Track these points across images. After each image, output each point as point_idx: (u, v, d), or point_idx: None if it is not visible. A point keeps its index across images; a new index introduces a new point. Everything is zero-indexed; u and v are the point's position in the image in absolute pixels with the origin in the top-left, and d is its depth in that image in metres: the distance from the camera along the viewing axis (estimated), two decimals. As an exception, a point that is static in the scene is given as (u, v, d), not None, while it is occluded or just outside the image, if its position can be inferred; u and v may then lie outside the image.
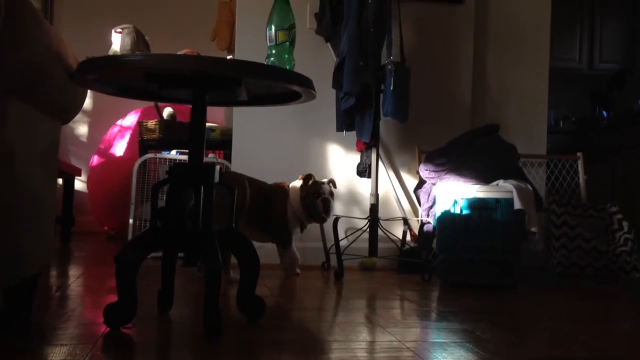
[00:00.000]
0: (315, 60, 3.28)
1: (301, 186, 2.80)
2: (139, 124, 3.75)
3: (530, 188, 3.13)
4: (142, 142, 3.66)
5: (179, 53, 1.78)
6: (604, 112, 6.03)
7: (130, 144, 4.30)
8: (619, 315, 2.30)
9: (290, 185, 2.86)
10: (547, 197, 3.62)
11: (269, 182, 2.91)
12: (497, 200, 2.86)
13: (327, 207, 2.78)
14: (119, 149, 4.37)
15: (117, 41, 1.85)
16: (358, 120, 3.10)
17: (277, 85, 1.74)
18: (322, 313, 2.07)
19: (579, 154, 3.74)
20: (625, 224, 3.44)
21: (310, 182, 2.80)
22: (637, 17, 6.01)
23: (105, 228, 4.50)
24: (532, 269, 3.41)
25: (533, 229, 3.02)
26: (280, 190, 2.84)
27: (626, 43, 6.04)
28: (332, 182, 2.89)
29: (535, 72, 3.79)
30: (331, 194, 2.83)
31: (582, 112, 6.13)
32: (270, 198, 2.79)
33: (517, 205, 2.93)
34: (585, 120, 6.06)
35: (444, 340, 1.69)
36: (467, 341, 1.69)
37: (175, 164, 1.74)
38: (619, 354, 1.63)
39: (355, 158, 3.32)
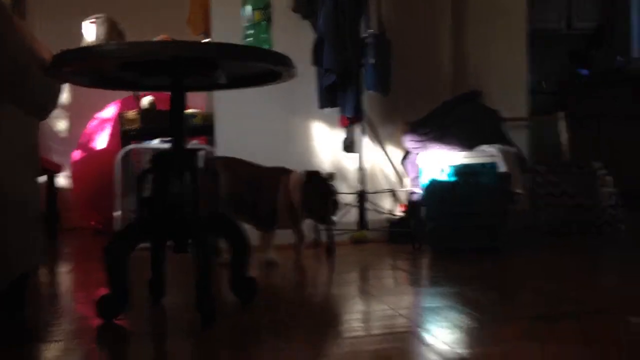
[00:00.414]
0: (294, 38, 3.24)
1: (306, 183, 2.51)
2: (119, 115, 3.71)
3: (514, 150, 3.16)
4: (123, 133, 3.62)
5: (154, 40, 1.76)
6: (584, 71, 6.06)
7: (111, 136, 4.25)
8: (605, 269, 2.34)
9: (291, 175, 2.57)
10: (531, 158, 3.65)
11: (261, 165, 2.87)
12: (482, 165, 2.88)
13: (336, 209, 2.59)
14: (100, 142, 4.32)
15: (90, 32, 1.83)
16: (341, 96, 3.09)
17: (256, 66, 1.73)
18: (316, 289, 2.09)
19: (560, 113, 3.77)
20: (609, 179, 3.48)
21: (319, 179, 2.54)
22: (611, -27, 6.01)
23: (92, 223, 4.48)
24: (519, 229, 3.45)
25: (518, 191, 3.05)
26: (278, 173, 2.60)
27: (603, 0, 6.04)
28: (332, 177, 2.63)
29: (513, 36, 3.79)
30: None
31: (563, 72, 6.16)
32: (262, 181, 2.58)
33: (502, 168, 2.96)
34: (565, 81, 6.09)
35: (436, 305, 1.72)
36: (459, 304, 1.72)
37: (157, 152, 1.74)
38: (606, 307, 1.66)
39: (340, 134, 3.32)
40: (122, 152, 3.45)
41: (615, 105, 4.90)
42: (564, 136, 3.72)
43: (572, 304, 1.69)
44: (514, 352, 1.26)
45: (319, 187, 2.52)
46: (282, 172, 2.61)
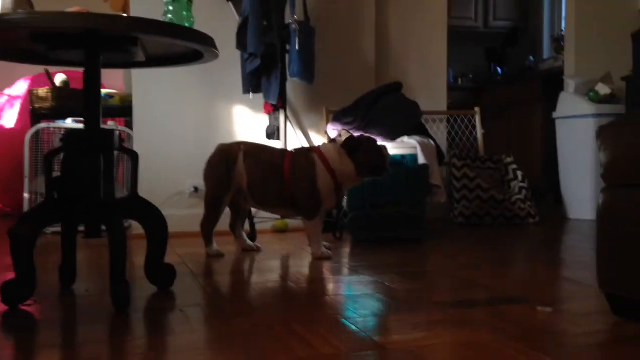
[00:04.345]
0: (217, 21, 3.17)
1: (350, 145, 2.33)
2: (30, 92, 3.52)
3: (433, 143, 3.24)
4: (33, 111, 3.43)
5: (67, 10, 1.66)
6: (499, 69, 6.31)
7: (21, 114, 4.02)
8: (515, 259, 2.45)
9: (323, 150, 2.38)
10: (448, 152, 3.76)
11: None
12: (402, 156, 2.93)
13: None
14: (9, 120, 4.08)
15: (-4, 0, 1.70)
16: (264, 82, 3.05)
17: (177, 44, 1.67)
18: (236, 276, 2.06)
19: (476, 109, 3.90)
20: (519, 173, 3.65)
21: (360, 140, 2.37)
22: (527, -23, 6.28)
23: (0, 206, 4.22)
24: (436, 221, 3.56)
25: (436, 183, 3.14)
26: (303, 157, 2.38)
27: (519, 1, 6.31)
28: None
29: (434, 31, 3.89)
30: None
31: (479, 69, 6.39)
32: (282, 166, 2.37)
33: (421, 160, 3.03)
34: (482, 77, 6.33)
35: (356, 294, 1.73)
36: (377, 292, 1.74)
37: (69, 131, 1.64)
38: (516, 294, 1.74)
39: (263, 120, 3.28)
40: (32, 131, 3.26)
41: (525, 102, 5.14)
42: (479, 131, 3.86)
43: (484, 292, 1.76)
44: (428, 338, 1.29)
45: (369, 145, 2.37)
46: (301, 152, 2.41)
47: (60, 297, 1.74)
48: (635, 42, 3.71)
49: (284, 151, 2.48)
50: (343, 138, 2.39)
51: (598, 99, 3.74)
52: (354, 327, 1.37)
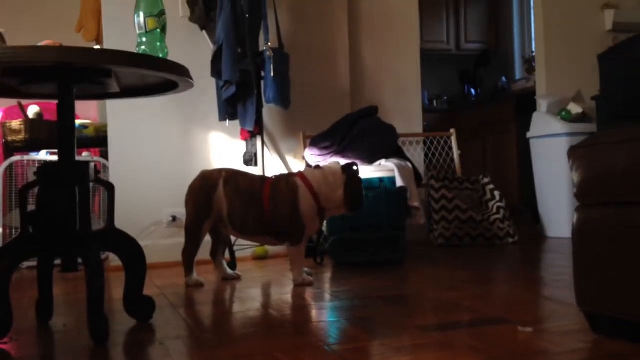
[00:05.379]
0: (191, 49, 3.18)
1: (349, 177, 2.37)
2: (2, 124, 3.47)
3: (410, 165, 3.27)
4: (6, 144, 3.39)
5: (39, 44, 1.65)
6: (472, 90, 6.42)
7: (-7, 147, 3.96)
8: (495, 279, 2.46)
9: (307, 174, 2.39)
10: (425, 173, 3.79)
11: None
12: (380, 179, 2.95)
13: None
14: (-19, 153, 4.01)
15: (-34, 34, 1.69)
16: (240, 108, 3.06)
17: (151, 75, 1.67)
18: (217, 306, 2.04)
19: (452, 130, 3.95)
20: (497, 193, 3.69)
21: (351, 170, 2.40)
22: (497, 0, 6.42)
23: (-28, 240, 4.13)
24: (416, 243, 3.57)
25: (415, 204, 3.16)
26: (284, 182, 2.38)
27: (489, 24, 6.45)
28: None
29: (407, 55, 3.95)
30: None
31: (453, 91, 6.48)
32: (262, 193, 2.36)
33: (399, 182, 3.05)
34: (456, 99, 6.42)
35: (338, 319, 1.72)
36: (360, 317, 1.73)
37: (43, 164, 1.62)
38: (497, 314, 1.74)
39: (240, 147, 3.28)
40: (5, 164, 3.22)
41: (499, 123, 5.22)
42: (455, 152, 3.90)
43: (468, 313, 1.76)
44: (412, 363, 1.29)
45: (356, 177, 2.40)
46: (281, 178, 2.42)
47: (37, 333, 1.70)
48: (601, 63, 3.80)
49: (264, 178, 2.48)
50: (330, 165, 2.42)
51: (570, 119, 3.82)
52: (337, 354, 1.36)
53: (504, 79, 6.16)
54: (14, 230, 3.19)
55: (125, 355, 1.47)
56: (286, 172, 3.14)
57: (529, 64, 5.53)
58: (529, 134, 4.05)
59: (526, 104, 4.66)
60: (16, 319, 1.59)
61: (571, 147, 1.50)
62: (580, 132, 3.70)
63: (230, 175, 2.44)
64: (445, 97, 6.41)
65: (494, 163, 5.27)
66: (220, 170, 2.48)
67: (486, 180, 3.77)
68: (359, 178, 2.41)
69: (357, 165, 2.45)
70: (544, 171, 3.90)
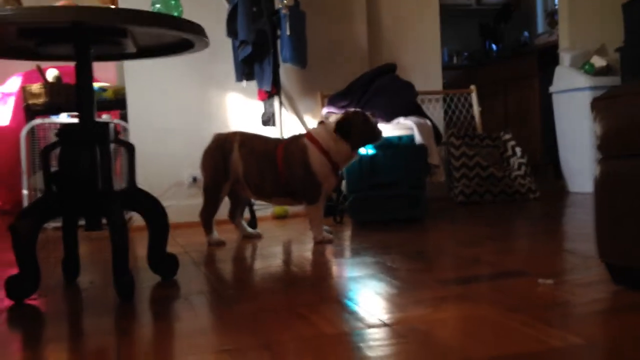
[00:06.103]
0: (206, 8, 3.15)
1: (343, 129, 2.34)
2: (23, 88, 3.50)
3: (430, 123, 3.24)
4: (27, 107, 3.42)
5: (55, 5, 1.65)
6: (493, 46, 6.28)
7: (15, 111, 4.01)
8: (516, 234, 2.46)
9: (313, 133, 2.39)
10: (445, 131, 3.76)
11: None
12: (399, 137, 2.93)
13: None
14: (3, 117, 4.07)
15: (-17, -4, 1.68)
16: (257, 68, 3.04)
17: (167, 34, 1.66)
18: (238, 263, 2.07)
19: (472, 87, 3.89)
20: (518, 149, 3.64)
21: (351, 117, 2.38)
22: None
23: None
24: (436, 200, 3.56)
25: (435, 162, 3.14)
26: (294, 144, 2.38)
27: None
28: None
29: (426, 10, 3.86)
30: None
31: (473, 46, 6.36)
32: (275, 155, 2.37)
33: (418, 140, 3.02)
34: (476, 55, 6.30)
35: (358, 275, 1.74)
36: (380, 272, 1.75)
37: (64, 125, 1.64)
38: (517, 268, 1.74)
39: (258, 107, 3.27)
40: (27, 127, 3.26)
41: (521, 78, 5.12)
42: (476, 109, 3.85)
43: (486, 267, 1.76)
44: (432, 314, 1.30)
45: (357, 119, 2.37)
46: (292, 140, 2.42)
47: (64, 290, 1.75)
48: (625, 13, 3.69)
49: (277, 140, 2.48)
50: (330, 120, 2.40)
51: (593, 72, 3.73)
52: (357, 307, 1.38)
53: (525, 33, 6.01)
54: (38, 192, 3.25)
55: (150, 311, 1.50)
56: (304, 132, 3.13)
57: (551, 17, 5.39)
58: (551, 89, 3.97)
59: (549, 58, 4.56)
60: (44, 277, 1.64)
61: (594, 99, 1.47)
62: (603, 85, 3.61)
63: (245, 138, 2.45)
64: (466, 53, 6.29)
65: (516, 119, 5.20)
66: (234, 133, 2.49)
67: (507, 136, 3.72)
68: (358, 120, 2.38)
69: (374, 114, 2.45)
70: (567, 126, 3.84)
